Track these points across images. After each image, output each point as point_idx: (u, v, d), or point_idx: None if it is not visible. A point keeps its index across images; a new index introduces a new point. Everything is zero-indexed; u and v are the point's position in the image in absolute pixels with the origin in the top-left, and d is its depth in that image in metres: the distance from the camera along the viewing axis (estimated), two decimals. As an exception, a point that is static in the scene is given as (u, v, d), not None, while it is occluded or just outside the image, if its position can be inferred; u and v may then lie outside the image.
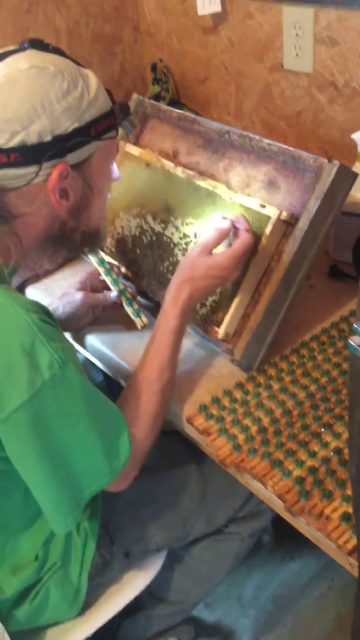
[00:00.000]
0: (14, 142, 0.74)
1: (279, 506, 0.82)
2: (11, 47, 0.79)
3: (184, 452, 1.08)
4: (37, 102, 0.74)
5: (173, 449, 1.06)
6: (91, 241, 0.93)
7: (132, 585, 1.01)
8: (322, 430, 0.88)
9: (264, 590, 1.53)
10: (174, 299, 0.94)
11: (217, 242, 0.96)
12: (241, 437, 0.88)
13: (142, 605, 1.15)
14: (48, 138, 0.75)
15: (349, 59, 1.22)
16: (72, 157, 0.79)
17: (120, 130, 1.28)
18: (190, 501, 1.06)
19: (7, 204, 0.79)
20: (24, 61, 0.76)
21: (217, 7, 1.42)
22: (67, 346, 0.76)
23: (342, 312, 1.13)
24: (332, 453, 0.84)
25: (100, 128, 0.81)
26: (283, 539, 1.62)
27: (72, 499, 0.78)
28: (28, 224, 0.82)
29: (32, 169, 0.76)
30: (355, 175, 0.97)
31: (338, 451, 0.84)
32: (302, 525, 0.79)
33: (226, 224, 0.98)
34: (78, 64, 0.83)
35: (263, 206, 0.99)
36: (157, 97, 1.65)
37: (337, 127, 1.32)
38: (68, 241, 0.88)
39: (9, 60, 0.76)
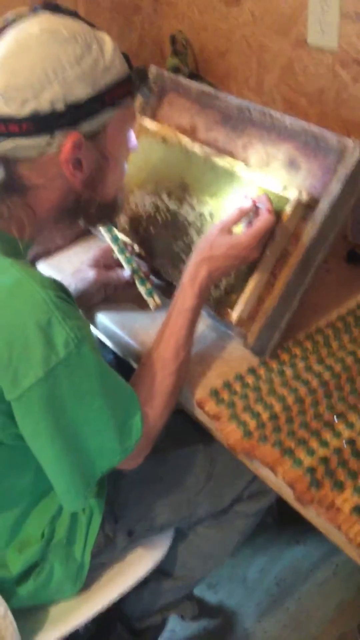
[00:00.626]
0: (26, 111, 0.72)
1: (288, 495, 0.81)
2: (24, 10, 0.76)
3: (191, 432, 1.07)
4: (49, 68, 0.71)
5: (179, 428, 1.05)
6: (108, 213, 0.90)
7: (136, 566, 1.00)
8: (335, 419, 0.86)
9: (267, 573, 1.53)
10: (192, 277, 0.92)
11: (237, 221, 0.94)
12: (252, 424, 0.86)
13: (146, 579, 1.15)
14: (61, 106, 0.72)
15: (377, 35, 1.17)
16: (87, 126, 0.76)
17: (137, 101, 1.25)
18: (196, 481, 1.05)
19: (20, 175, 0.77)
20: (35, 26, 0.73)
21: (240, -23, 1.37)
22: (83, 324, 0.75)
23: (358, 299, 1.10)
24: (344, 443, 0.82)
25: (116, 95, 0.77)
26: (288, 522, 1.61)
27: (83, 477, 0.79)
28: (42, 196, 0.79)
29: (45, 138, 0.74)
30: (380, 157, 0.94)
31: (351, 441, 0.82)
32: (312, 515, 0.78)
33: (248, 203, 0.95)
34: (93, 26, 0.79)
35: (284, 188, 0.96)
36: (175, 70, 1.61)
37: (361, 106, 1.28)
38: (83, 214, 0.86)
39: (21, 25, 0.73)
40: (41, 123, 0.72)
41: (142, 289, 1.11)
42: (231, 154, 1.08)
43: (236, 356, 1.01)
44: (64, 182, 0.79)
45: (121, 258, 1.13)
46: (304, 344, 1.00)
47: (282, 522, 1.60)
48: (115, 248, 1.15)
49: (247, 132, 1.08)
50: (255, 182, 1.00)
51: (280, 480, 0.80)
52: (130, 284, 1.11)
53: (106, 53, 0.76)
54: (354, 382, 0.92)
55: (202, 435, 1.04)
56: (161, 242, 1.15)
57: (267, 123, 1.04)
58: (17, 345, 0.69)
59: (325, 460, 0.80)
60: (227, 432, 0.86)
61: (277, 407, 0.88)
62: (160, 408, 0.87)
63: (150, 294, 1.10)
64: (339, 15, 1.21)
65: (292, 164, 1.01)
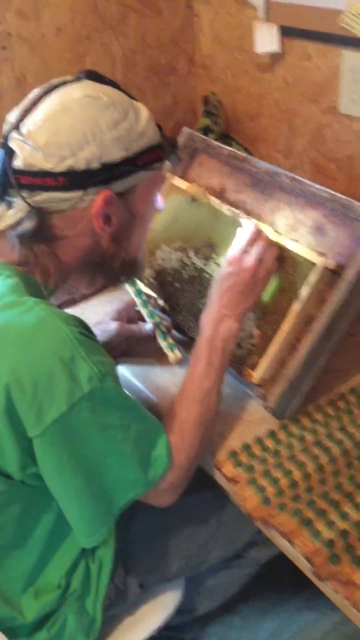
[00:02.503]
0: (63, 167, 0.76)
1: (305, 566, 0.79)
2: (69, 77, 0.81)
3: (198, 479, 1.06)
4: (88, 129, 0.76)
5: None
6: (129, 270, 0.93)
7: (149, 620, 0.99)
8: (356, 491, 0.84)
9: (278, 638, 1.48)
10: (206, 310, 0.96)
11: (245, 248, 0.97)
12: (270, 490, 0.85)
13: None
14: (96, 165, 0.77)
15: None
16: (118, 185, 0.80)
17: (168, 164, 1.29)
18: (206, 529, 1.04)
19: (52, 225, 0.80)
20: (78, 90, 0.78)
21: (275, 47, 1.42)
22: (106, 359, 0.77)
23: (385, 365, 1.10)
24: (364, 517, 0.81)
25: (148, 159, 0.82)
26: (302, 584, 1.56)
27: (105, 511, 0.79)
28: (69, 247, 0.83)
29: (78, 193, 0.78)
30: None
31: (371, 515, 0.81)
32: (328, 589, 0.76)
33: (252, 226, 0.99)
34: (131, 97, 0.84)
35: (313, 252, 0.97)
36: (206, 130, 1.65)
37: (389, 174, 1.30)
38: (107, 268, 0.89)
39: (66, 89, 0.78)
40: (76, 179, 0.76)
41: (163, 343, 1.11)
42: (259, 217, 1.10)
43: (256, 417, 1.00)
44: (92, 236, 0.83)
45: (144, 311, 1.15)
46: (325, 409, 1.00)
47: (295, 583, 1.56)
48: (138, 301, 1.16)
49: (276, 197, 1.10)
50: (282, 246, 1.01)
51: (297, 552, 0.78)
52: (151, 338, 1.12)
53: (141, 120, 0.81)
54: (375, 453, 0.91)
55: (208, 480, 1.03)
56: (185, 298, 1.16)
57: (296, 189, 1.06)
58: (42, 381, 0.71)
59: (344, 534, 0.78)
60: (245, 497, 0.85)
61: (297, 474, 0.87)
62: (188, 438, 0.86)
63: (171, 348, 1.11)
64: (370, 87, 1.25)
65: (319, 230, 1.02)
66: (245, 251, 0.96)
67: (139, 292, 1.16)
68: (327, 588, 0.76)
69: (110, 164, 0.77)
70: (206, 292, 1.12)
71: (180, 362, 1.10)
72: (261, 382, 0.99)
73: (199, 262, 1.15)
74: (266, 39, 1.42)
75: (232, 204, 1.14)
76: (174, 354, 1.10)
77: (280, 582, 1.51)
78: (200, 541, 1.02)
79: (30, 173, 0.75)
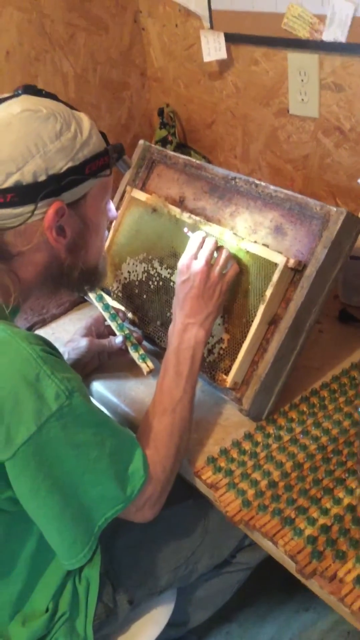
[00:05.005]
0: (10, 183, 0.75)
1: (290, 565, 0.79)
2: (6, 95, 0.81)
3: (179, 488, 1.05)
4: (31, 143, 0.76)
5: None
6: (91, 279, 0.93)
7: (141, 637, 0.97)
8: (334, 485, 0.85)
9: (277, 643, 1.47)
10: (172, 323, 0.97)
11: (193, 256, 0.98)
12: (250, 492, 0.85)
13: None
14: (43, 177, 0.76)
15: (355, 104, 1.22)
16: (68, 196, 0.80)
17: (128, 175, 1.29)
18: (192, 538, 1.03)
19: (6, 243, 0.80)
20: (16, 105, 0.78)
21: (222, 54, 1.44)
22: (73, 376, 0.76)
23: (352, 359, 1.11)
24: (345, 511, 0.81)
25: (95, 167, 0.82)
26: (296, 588, 1.56)
27: (85, 531, 0.77)
28: (26, 262, 0.82)
29: (28, 207, 0.77)
30: (359, 221, 0.96)
31: (351, 508, 0.81)
32: (315, 586, 0.76)
33: (197, 234, 1.01)
34: (72, 107, 0.85)
35: (274, 253, 0.98)
36: (164, 141, 1.67)
37: (344, 171, 1.32)
38: (67, 279, 0.88)
39: (3, 105, 0.78)
40: (24, 193, 0.76)
41: (134, 355, 1.11)
42: (219, 222, 1.11)
43: (232, 421, 1.00)
44: (48, 249, 0.82)
45: (113, 325, 1.15)
46: (299, 407, 1.00)
47: (289, 587, 1.55)
48: (106, 315, 1.16)
49: (234, 201, 1.11)
50: (243, 249, 1.02)
51: (281, 551, 0.78)
52: (123, 351, 1.12)
53: (84, 129, 0.81)
54: (351, 446, 0.91)
55: (190, 489, 1.03)
56: (154, 309, 1.16)
57: (253, 192, 1.07)
58: (8, 404, 0.70)
59: (326, 529, 0.78)
60: (226, 502, 0.85)
61: (275, 474, 0.87)
62: (163, 449, 0.86)
63: (143, 359, 1.10)
64: (318, 86, 1.27)
65: (278, 231, 1.03)
66: (194, 257, 0.98)
67: (106, 307, 1.16)
68: (313, 585, 0.76)
69: (57, 175, 0.77)
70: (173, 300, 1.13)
71: (153, 371, 1.10)
72: (234, 385, 1.00)
73: (164, 272, 1.16)
74: (213, 47, 1.44)
75: (192, 211, 1.15)
76: (146, 365, 1.10)
77: (273, 585, 1.51)
78: (187, 551, 1.01)
79: None
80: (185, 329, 0.94)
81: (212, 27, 1.44)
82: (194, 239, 1.01)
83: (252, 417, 0.99)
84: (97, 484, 0.77)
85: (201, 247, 0.99)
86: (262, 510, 0.82)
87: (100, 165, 0.83)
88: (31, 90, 0.81)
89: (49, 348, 0.77)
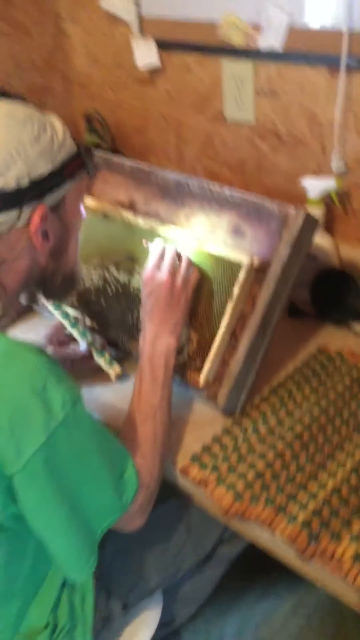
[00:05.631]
0: None
1: (286, 552, 0.82)
2: None
3: (159, 490, 1.07)
4: (12, 148, 0.74)
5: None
6: (70, 284, 0.92)
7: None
8: (317, 470, 0.89)
9: (245, 632, 1.51)
10: (141, 335, 0.99)
11: (156, 266, 1.01)
12: (240, 485, 0.88)
13: None
14: (25, 182, 0.75)
15: (290, 109, 1.29)
16: (50, 199, 0.79)
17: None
18: (177, 537, 1.05)
19: None
20: None
21: (155, 61, 1.46)
22: (74, 385, 0.75)
23: (309, 350, 1.16)
24: (331, 494, 0.86)
25: (72, 169, 0.81)
26: (253, 577, 1.61)
27: (89, 541, 0.77)
28: (10, 271, 0.80)
29: (13, 213, 0.76)
30: (317, 221, 1.02)
31: (337, 490, 0.86)
32: (311, 569, 0.80)
33: (157, 245, 1.04)
34: (40, 109, 0.83)
35: (237, 253, 1.01)
36: (96, 147, 1.66)
37: (281, 174, 1.38)
38: (49, 285, 0.87)
39: None
40: (8, 199, 0.75)
41: (100, 361, 1.11)
42: (174, 224, 1.13)
43: (207, 419, 1.02)
44: (30, 256, 0.81)
45: (74, 332, 1.13)
46: (269, 400, 1.04)
47: (247, 577, 1.60)
48: (66, 323, 1.14)
49: (188, 204, 1.13)
50: (205, 251, 1.04)
51: (277, 538, 0.81)
52: (86, 358, 1.11)
53: (58, 131, 0.81)
54: (325, 431, 0.96)
55: (168, 489, 1.04)
56: (115, 314, 1.16)
57: (207, 195, 1.10)
58: (18, 415, 0.68)
59: (318, 513, 0.82)
60: (218, 497, 0.87)
61: (260, 465, 0.91)
62: (149, 457, 0.87)
63: (110, 364, 1.10)
64: (253, 93, 1.32)
65: (236, 231, 1.06)
66: (156, 268, 1.01)
67: (65, 314, 1.15)
68: (308, 568, 0.80)
69: (39, 179, 0.76)
70: (134, 305, 1.14)
71: (121, 376, 1.10)
72: (207, 384, 1.02)
73: (122, 277, 1.16)
74: (145, 54, 1.46)
75: (144, 215, 1.16)
76: (113, 370, 1.10)
77: (232, 577, 1.55)
78: (174, 550, 1.02)
79: None
80: (157, 338, 0.98)
81: (141, 35, 1.45)
82: (153, 249, 1.04)
83: (227, 412, 1.01)
84: (98, 493, 0.77)
85: (162, 257, 1.02)
86: (255, 501, 0.85)
87: (77, 166, 0.82)
88: (2, 94, 0.79)
89: (50, 358, 0.76)
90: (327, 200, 1.28)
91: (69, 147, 0.81)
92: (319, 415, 0.99)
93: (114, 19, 1.51)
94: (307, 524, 0.81)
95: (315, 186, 1.24)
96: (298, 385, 1.06)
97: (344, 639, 1.48)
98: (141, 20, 1.44)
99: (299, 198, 1.35)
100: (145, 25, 1.44)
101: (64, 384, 0.72)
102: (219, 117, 1.43)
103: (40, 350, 0.75)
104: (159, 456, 0.89)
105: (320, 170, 1.30)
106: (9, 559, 0.79)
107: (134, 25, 1.46)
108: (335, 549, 0.78)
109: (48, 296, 0.91)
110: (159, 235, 1.11)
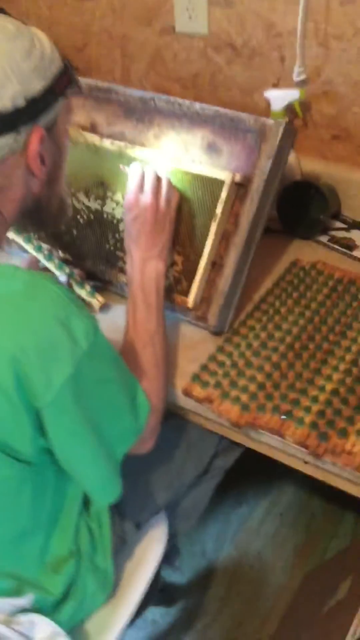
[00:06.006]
0: None
1: (295, 454, 0.86)
2: None
3: None
4: (6, 65, 0.68)
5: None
6: (63, 212, 0.88)
7: (148, 558, 1.01)
8: (314, 375, 0.93)
9: (223, 539, 1.60)
10: (128, 261, 0.97)
11: (138, 191, 0.98)
12: (244, 397, 0.90)
13: None
14: (21, 102, 0.70)
15: (247, 19, 1.25)
16: (44, 120, 0.74)
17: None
18: (179, 453, 1.08)
19: None
20: None
21: (97, -31, 1.36)
22: (91, 314, 0.74)
23: (283, 265, 1.19)
24: (331, 395, 0.90)
25: (62, 85, 0.76)
26: (225, 489, 1.69)
27: (114, 465, 0.79)
28: (7, 199, 0.76)
29: (11, 136, 0.71)
30: (295, 131, 1.01)
31: (335, 392, 0.90)
32: (327, 465, 0.84)
33: (135, 168, 1.00)
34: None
35: (217, 170, 1.00)
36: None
37: (238, 87, 1.35)
38: (45, 214, 0.83)
39: None
40: (6, 121, 0.70)
41: (82, 292, 1.09)
42: (143, 145, 1.09)
43: (197, 339, 1.04)
44: (25, 183, 0.77)
45: (50, 265, 1.10)
46: (254, 315, 1.06)
47: (221, 489, 1.68)
48: (40, 257, 1.11)
49: (156, 122, 1.09)
50: (182, 170, 1.02)
51: (289, 443, 0.85)
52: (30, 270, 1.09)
53: (45, 45, 0.75)
54: (314, 340, 1.00)
55: (166, 410, 1.07)
56: (89, 243, 1.13)
57: (176, 111, 1.07)
58: (46, 346, 0.67)
59: (322, 414, 0.87)
60: (226, 410, 0.89)
61: (260, 377, 0.93)
62: (155, 380, 0.88)
63: (92, 294, 1.08)
64: (206, 2, 1.27)
65: (211, 148, 1.04)
66: (139, 192, 0.97)
67: (39, 247, 1.11)
68: (319, 468, 0.85)
69: (35, 98, 0.71)
70: (110, 232, 1.11)
71: (104, 305, 1.09)
72: (195, 305, 1.03)
73: (93, 205, 1.12)
74: None
75: (109, 137, 1.11)
76: (96, 300, 1.08)
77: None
78: (177, 467, 1.06)
79: None
80: (145, 264, 0.96)
81: None
82: (133, 172, 1.00)
83: (217, 332, 1.03)
84: (118, 418, 0.78)
85: (142, 180, 0.98)
86: (261, 410, 0.88)
87: (67, 82, 0.76)
88: None
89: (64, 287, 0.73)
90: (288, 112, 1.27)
91: (58, 60, 0.75)
92: (306, 325, 1.03)
93: None
94: (314, 425, 0.85)
95: (278, 97, 1.22)
96: (279, 299, 1.09)
97: (315, 532, 1.61)
98: None
99: (257, 111, 1.34)
100: None
101: (84, 312, 0.71)
102: (168, 30, 1.37)
103: (55, 280, 0.73)
104: (163, 378, 0.90)
105: (279, 82, 1.29)
106: (35, 493, 0.79)
107: None
108: (344, 445, 0.83)
109: (40, 227, 0.87)
110: (129, 158, 1.07)
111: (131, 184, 0.99)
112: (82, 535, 0.89)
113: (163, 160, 1.04)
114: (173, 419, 1.05)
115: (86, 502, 0.92)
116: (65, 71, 0.76)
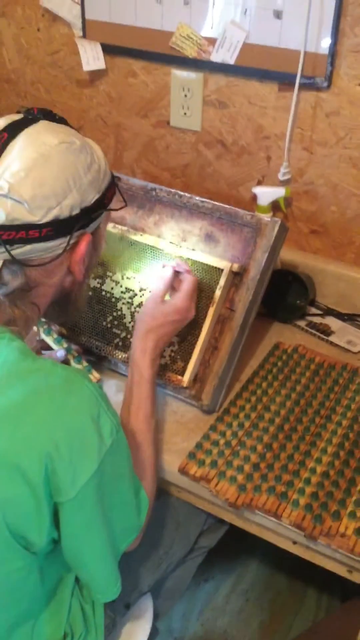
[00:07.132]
0: (49, 217, 0.74)
1: (288, 537, 0.90)
2: (17, 117, 0.77)
3: None
4: (70, 176, 0.75)
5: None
6: (85, 302, 0.93)
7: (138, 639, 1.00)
8: (304, 458, 0.98)
9: (190, 617, 1.58)
10: (142, 350, 0.99)
11: (166, 289, 1.04)
12: (240, 477, 0.94)
13: None
14: (77, 211, 0.77)
15: (238, 120, 1.36)
16: (92, 226, 0.82)
17: None
18: (167, 532, 1.09)
19: (29, 276, 0.77)
20: (50, 136, 0.75)
21: (101, 64, 1.46)
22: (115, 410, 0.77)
23: (267, 346, 1.25)
24: (321, 477, 0.95)
25: (111, 196, 0.84)
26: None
27: (116, 562, 0.79)
28: (42, 292, 0.81)
29: (62, 241, 0.77)
30: (287, 228, 1.11)
31: (325, 474, 0.95)
32: (317, 548, 0.88)
33: (169, 271, 1.06)
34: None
35: (216, 259, 1.07)
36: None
37: (225, 180, 1.45)
38: (73, 305, 0.89)
39: (30, 131, 0.74)
40: (60, 228, 0.75)
41: (78, 367, 1.11)
42: (143, 231, 1.16)
43: (189, 417, 1.08)
44: (60, 278, 0.82)
45: (49, 340, 1.13)
46: (243, 395, 1.11)
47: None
48: (40, 331, 1.14)
49: (157, 210, 1.17)
50: (183, 257, 1.09)
51: (285, 524, 0.89)
52: (65, 365, 1.11)
53: (100, 158, 0.82)
54: (301, 422, 1.05)
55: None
56: (86, 319, 1.17)
57: (177, 202, 1.15)
58: (76, 443, 0.69)
59: (315, 496, 0.91)
60: (223, 490, 0.92)
61: (254, 457, 0.98)
62: (150, 480, 0.91)
63: (89, 370, 1.11)
64: (201, 102, 1.38)
65: (209, 238, 1.12)
66: (192, 299, 1.03)
67: (39, 322, 1.14)
68: (318, 547, 0.88)
69: (88, 208, 0.78)
70: (108, 310, 1.15)
71: (100, 382, 1.12)
72: (190, 384, 1.07)
73: (92, 282, 1.17)
74: (91, 57, 1.45)
75: (111, 220, 1.18)
76: (92, 376, 1.11)
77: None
78: (166, 546, 1.06)
79: (13, 227, 0.71)
80: (156, 359, 1.00)
81: (84, 36, 1.45)
82: (189, 280, 1.04)
83: (210, 411, 1.07)
84: (126, 513, 0.79)
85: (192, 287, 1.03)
86: (257, 491, 0.92)
87: (113, 193, 0.85)
88: (50, 115, 0.79)
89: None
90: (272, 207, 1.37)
91: (108, 175, 0.83)
92: (293, 407, 1.08)
93: (53, 18, 1.49)
94: (309, 507, 0.90)
95: (266, 193, 1.33)
96: (266, 380, 1.15)
97: (280, 608, 1.61)
98: (84, 21, 1.43)
99: (242, 203, 1.44)
100: (89, 27, 1.43)
101: (111, 409, 0.74)
102: (163, 123, 1.47)
103: (88, 375, 0.77)
104: (155, 479, 0.93)
105: (264, 179, 1.39)
106: (38, 581, 0.79)
107: (77, 27, 1.45)
108: (338, 527, 0.87)
109: (61, 316, 0.92)
110: (129, 241, 1.13)
111: (188, 288, 1.02)
112: (75, 616, 0.88)
113: (164, 245, 1.11)
114: (162, 496, 1.08)
115: (79, 582, 0.92)
116: (113, 183, 0.84)
